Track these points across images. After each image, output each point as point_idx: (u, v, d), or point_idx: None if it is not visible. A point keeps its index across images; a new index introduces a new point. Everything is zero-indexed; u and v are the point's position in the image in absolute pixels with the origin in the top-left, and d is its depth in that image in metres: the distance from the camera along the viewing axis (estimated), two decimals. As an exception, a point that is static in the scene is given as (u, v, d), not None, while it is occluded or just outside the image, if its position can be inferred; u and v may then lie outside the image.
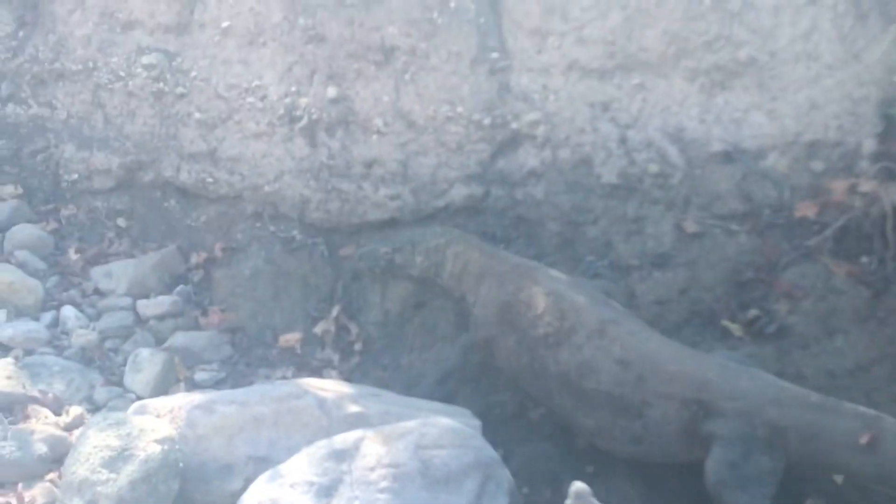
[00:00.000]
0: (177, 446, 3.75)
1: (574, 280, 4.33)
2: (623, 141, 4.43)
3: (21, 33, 5.48)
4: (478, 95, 4.64)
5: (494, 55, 4.59)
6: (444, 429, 3.52)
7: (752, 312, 4.24)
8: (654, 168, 4.39)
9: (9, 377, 4.36)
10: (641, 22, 4.30)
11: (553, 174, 4.60)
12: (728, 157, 4.27)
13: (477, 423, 3.81)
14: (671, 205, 4.37)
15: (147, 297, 4.95)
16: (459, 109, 4.66)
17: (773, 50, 4.16)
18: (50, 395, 4.37)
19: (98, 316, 4.93)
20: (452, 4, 4.60)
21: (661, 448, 3.95)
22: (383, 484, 3.32)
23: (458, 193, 4.73)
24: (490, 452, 3.50)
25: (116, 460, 3.65)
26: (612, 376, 3.93)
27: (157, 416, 3.86)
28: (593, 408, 4.01)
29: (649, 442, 3.95)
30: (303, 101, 4.91)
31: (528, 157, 4.63)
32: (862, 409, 3.73)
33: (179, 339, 4.76)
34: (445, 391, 4.46)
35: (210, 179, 5.12)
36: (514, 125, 4.61)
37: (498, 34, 4.60)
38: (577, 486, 3.15)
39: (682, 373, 3.85)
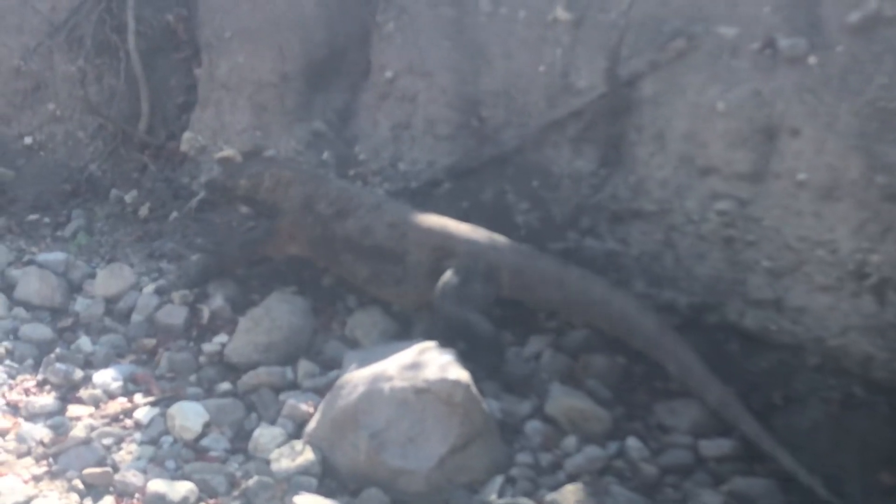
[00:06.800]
0: None
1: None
2: None
3: (603, 171, 5.87)
4: None
5: None
6: None
7: None
8: None
9: (579, 500, 4.70)
10: None
11: None
12: None
13: None
14: None
15: (708, 437, 5.04)
16: None
17: None
18: (622, 526, 4.64)
19: (660, 450, 5.06)
20: None
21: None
22: None
23: None
24: None
25: None
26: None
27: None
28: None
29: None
30: (874, 258, 4.92)
31: None
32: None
33: (739, 483, 4.81)
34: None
35: (774, 327, 5.23)
36: None
37: None
38: None
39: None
